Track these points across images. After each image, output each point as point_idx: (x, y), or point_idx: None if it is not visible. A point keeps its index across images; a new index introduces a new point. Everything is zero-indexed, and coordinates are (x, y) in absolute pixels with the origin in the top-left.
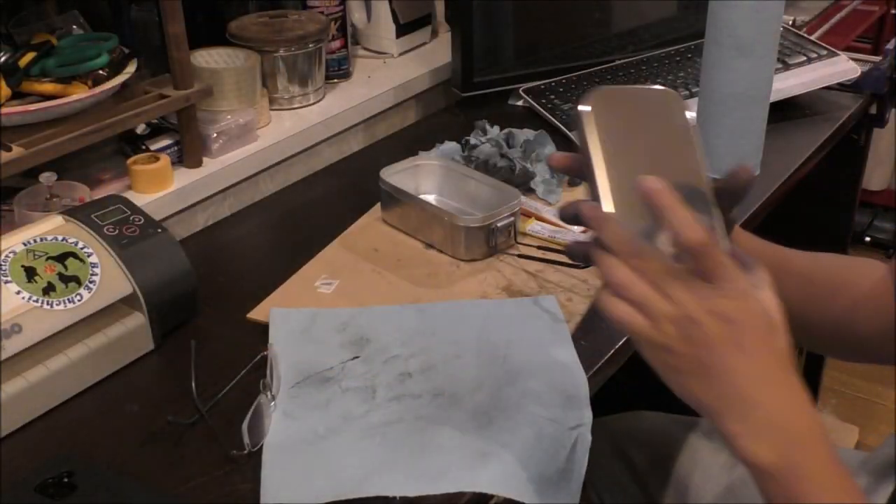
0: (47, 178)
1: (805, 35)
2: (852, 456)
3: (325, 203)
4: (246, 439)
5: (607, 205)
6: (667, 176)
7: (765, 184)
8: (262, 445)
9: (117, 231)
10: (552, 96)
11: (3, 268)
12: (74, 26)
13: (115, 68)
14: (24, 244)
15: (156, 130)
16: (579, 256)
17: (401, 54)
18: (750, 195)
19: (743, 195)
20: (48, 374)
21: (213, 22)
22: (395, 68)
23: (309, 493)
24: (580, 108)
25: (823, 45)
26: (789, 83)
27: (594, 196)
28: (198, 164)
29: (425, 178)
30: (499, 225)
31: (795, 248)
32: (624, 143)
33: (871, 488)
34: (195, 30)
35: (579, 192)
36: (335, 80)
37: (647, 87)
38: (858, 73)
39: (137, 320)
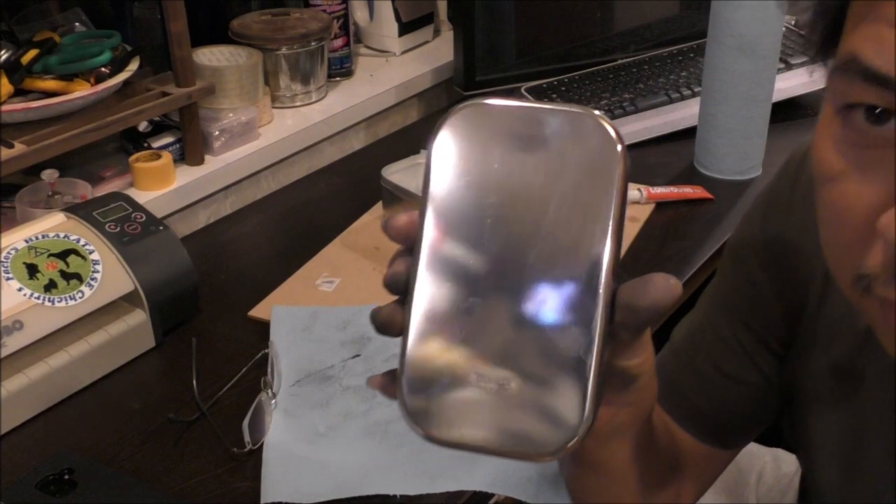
0: (49, 175)
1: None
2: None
3: (327, 201)
4: (247, 437)
5: (416, 315)
6: (539, 267)
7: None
8: (262, 443)
9: (119, 228)
10: (554, 95)
11: (5, 265)
12: (77, 24)
13: (118, 66)
14: (26, 241)
15: (158, 128)
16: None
17: (403, 53)
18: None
19: (649, 317)
20: (49, 371)
21: (216, 20)
22: (397, 67)
23: (309, 491)
24: (432, 138)
25: None
26: (792, 83)
27: (409, 292)
28: (199, 161)
29: None
30: None
31: None
32: (483, 206)
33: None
34: (197, 28)
35: None
36: (337, 79)
37: (558, 106)
38: None
39: (139, 318)
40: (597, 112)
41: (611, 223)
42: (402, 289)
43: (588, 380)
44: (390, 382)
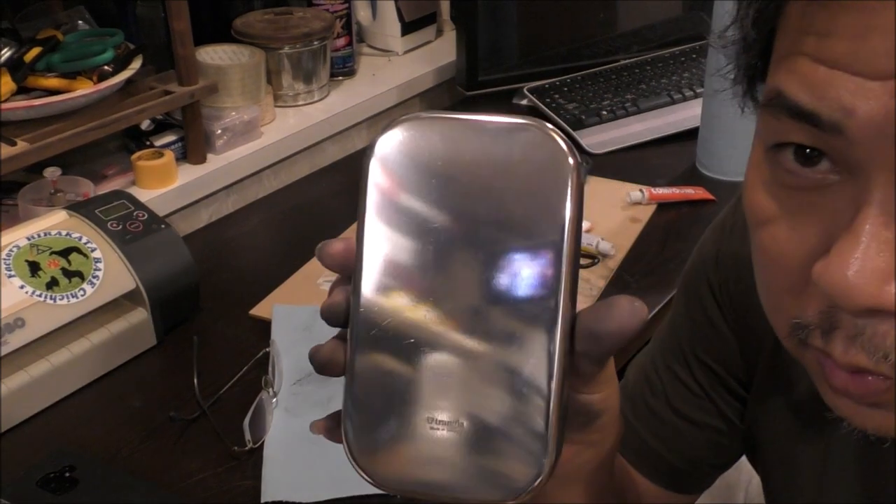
0: (52, 172)
1: None
2: None
3: (329, 200)
4: (247, 436)
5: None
6: (489, 296)
7: None
8: (263, 442)
9: (121, 226)
10: (556, 95)
11: (7, 262)
12: (80, 22)
13: (121, 64)
14: (28, 239)
15: (160, 126)
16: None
17: (405, 52)
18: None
19: (612, 344)
20: (51, 369)
21: (219, 18)
22: (399, 66)
23: (309, 490)
24: (365, 160)
25: None
26: None
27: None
28: (202, 160)
29: None
30: None
31: None
32: (426, 231)
33: None
34: (200, 26)
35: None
36: (340, 78)
37: (503, 118)
38: None
39: (140, 316)
40: (547, 125)
41: (565, 245)
42: (341, 321)
43: (549, 414)
44: (335, 426)
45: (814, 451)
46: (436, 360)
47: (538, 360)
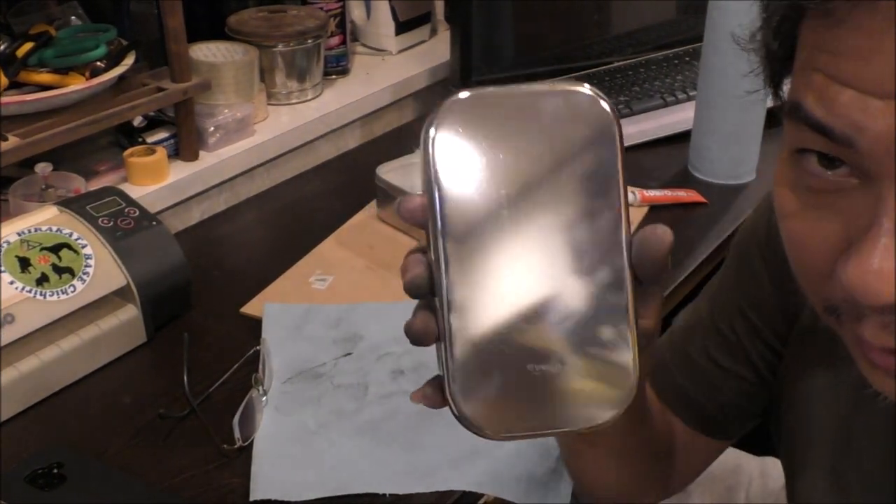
0: (43, 168)
1: None
2: None
3: (321, 199)
4: (237, 434)
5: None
6: (563, 242)
7: (762, 188)
8: (252, 440)
9: (112, 223)
10: None
11: None
12: (73, 17)
13: (113, 60)
14: (19, 234)
15: (152, 123)
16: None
17: (399, 52)
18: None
19: (657, 271)
20: (40, 365)
21: (213, 16)
22: (393, 66)
23: (298, 488)
24: (427, 133)
25: None
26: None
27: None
28: (194, 157)
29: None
30: None
31: None
32: (496, 194)
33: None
34: (194, 23)
35: None
36: (333, 77)
37: (549, 87)
38: None
39: (130, 313)
40: (586, 85)
41: (620, 185)
42: (425, 291)
43: (629, 333)
44: (434, 393)
45: (844, 414)
46: (526, 309)
47: (615, 292)
